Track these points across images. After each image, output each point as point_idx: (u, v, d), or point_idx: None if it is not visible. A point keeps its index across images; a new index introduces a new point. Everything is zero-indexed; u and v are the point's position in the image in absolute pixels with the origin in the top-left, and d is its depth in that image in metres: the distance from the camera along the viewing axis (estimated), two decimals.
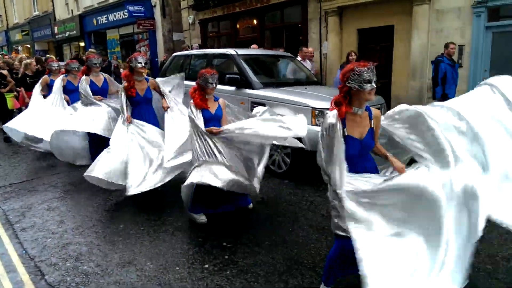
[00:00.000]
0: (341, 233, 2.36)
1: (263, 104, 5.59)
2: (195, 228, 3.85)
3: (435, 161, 2.30)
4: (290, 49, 10.69)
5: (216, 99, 3.92)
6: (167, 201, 4.55)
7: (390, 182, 2.29)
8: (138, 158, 4.29)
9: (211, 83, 3.68)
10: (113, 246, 3.54)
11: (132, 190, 4.09)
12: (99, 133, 5.08)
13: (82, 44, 21.97)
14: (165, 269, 3.13)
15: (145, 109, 4.62)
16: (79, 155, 5.86)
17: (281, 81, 6.41)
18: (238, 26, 12.93)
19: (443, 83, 6.43)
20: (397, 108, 2.60)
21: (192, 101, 3.78)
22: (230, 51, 6.56)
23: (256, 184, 3.76)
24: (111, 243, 3.59)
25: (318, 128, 4.91)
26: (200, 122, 3.69)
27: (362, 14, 8.96)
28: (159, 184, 4.23)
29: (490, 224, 2.11)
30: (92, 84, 5.52)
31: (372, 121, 2.51)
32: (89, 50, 11.43)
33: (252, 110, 5.76)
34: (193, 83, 6.79)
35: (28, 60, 8.56)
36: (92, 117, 5.22)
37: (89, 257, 3.36)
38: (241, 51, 6.60)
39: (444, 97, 6.08)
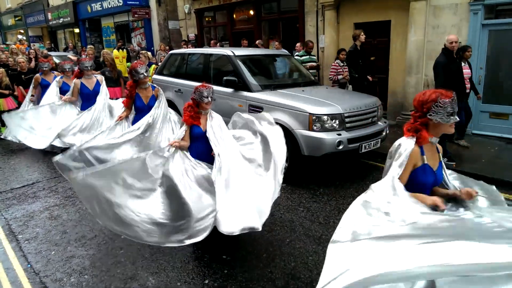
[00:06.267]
0: None
1: (260, 107, 5.67)
2: None
3: None
4: (286, 42, 10.68)
5: None
6: None
7: None
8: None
9: (207, 96, 3.49)
10: (115, 260, 3.65)
11: None
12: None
13: (77, 30, 21.68)
14: (166, 286, 3.25)
15: None
16: None
17: (278, 83, 6.42)
18: (234, 16, 12.79)
19: None
20: None
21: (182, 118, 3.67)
22: (227, 51, 6.54)
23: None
24: (113, 256, 3.70)
25: (315, 134, 5.06)
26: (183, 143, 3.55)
27: (359, 9, 8.89)
28: None
29: None
30: (83, 87, 5.71)
31: (440, 154, 2.33)
32: (88, 47, 11.26)
33: (249, 112, 5.83)
34: (189, 83, 6.98)
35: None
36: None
37: (93, 271, 3.47)
38: (238, 52, 6.59)
39: None
